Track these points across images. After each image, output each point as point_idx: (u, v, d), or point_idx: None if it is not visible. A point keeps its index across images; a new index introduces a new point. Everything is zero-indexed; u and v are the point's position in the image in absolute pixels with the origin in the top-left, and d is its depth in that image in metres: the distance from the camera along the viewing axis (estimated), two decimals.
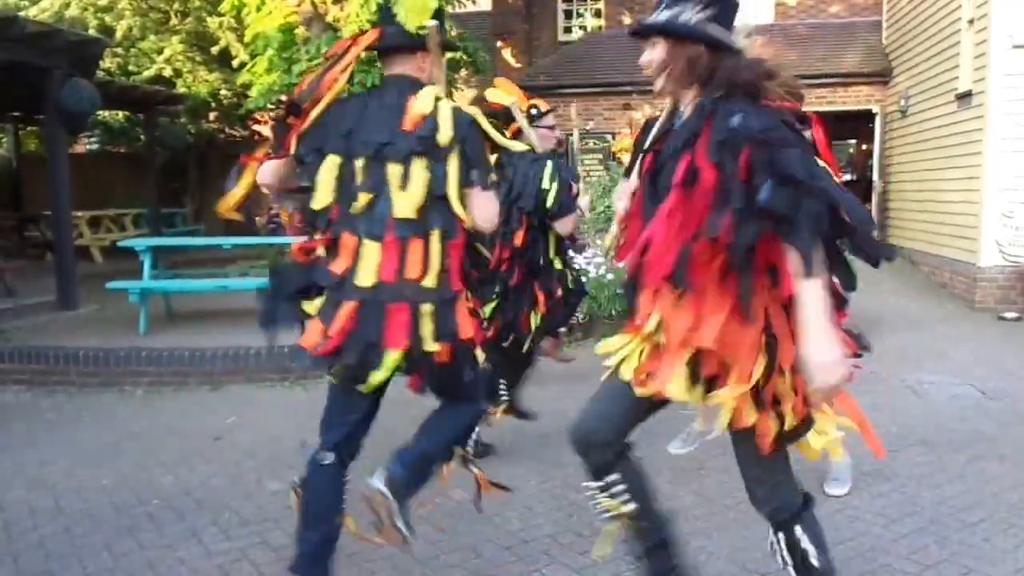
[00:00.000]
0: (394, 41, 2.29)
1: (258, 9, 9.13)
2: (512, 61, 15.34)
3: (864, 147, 13.12)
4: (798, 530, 2.05)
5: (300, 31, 9.20)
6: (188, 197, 15.41)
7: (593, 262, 6.89)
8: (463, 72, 10.77)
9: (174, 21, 14.36)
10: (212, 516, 3.43)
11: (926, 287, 9.10)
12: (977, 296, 8.01)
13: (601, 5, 14.97)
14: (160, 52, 13.72)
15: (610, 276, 6.66)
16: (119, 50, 13.83)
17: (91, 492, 3.73)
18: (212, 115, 15.34)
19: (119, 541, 3.19)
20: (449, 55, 8.93)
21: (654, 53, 1.94)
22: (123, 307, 6.93)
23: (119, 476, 3.92)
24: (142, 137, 13.75)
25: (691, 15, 1.84)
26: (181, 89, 13.57)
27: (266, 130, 17.46)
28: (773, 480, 2.06)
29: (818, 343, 1.72)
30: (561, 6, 15.37)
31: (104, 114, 14.23)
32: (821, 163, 2.60)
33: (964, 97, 8.52)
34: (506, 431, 4.50)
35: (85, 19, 13.27)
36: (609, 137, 13.17)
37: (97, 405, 5.25)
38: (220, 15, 12.12)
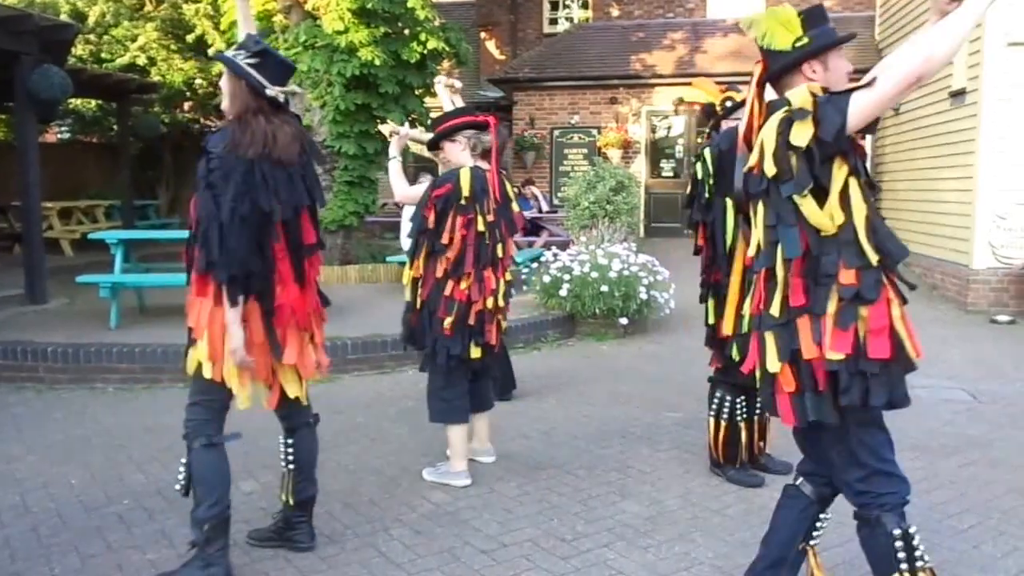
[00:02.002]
0: (778, 65, 2.22)
1: None
2: (496, 53, 15.23)
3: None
4: None
5: (279, 19, 9.04)
6: (162, 188, 15.16)
7: (577, 259, 6.82)
8: (445, 64, 10.64)
9: (149, 8, 14.09)
10: (184, 516, 3.27)
11: (918, 288, 9.02)
12: (969, 298, 7.90)
13: None
14: (134, 39, 13.45)
15: (594, 274, 6.60)
16: (91, 36, 13.55)
17: (59, 490, 3.63)
18: (187, 104, 15.09)
19: (87, 541, 3.11)
20: (431, 45, 8.81)
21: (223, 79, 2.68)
22: (94, 301, 6.79)
23: (88, 474, 3.83)
24: (115, 126, 13.48)
25: (242, 58, 2.60)
26: (155, 77, 13.32)
27: None
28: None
29: (228, 336, 2.62)
30: None
31: (76, 102, 13.94)
32: (488, 164, 3.61)
33: (958, 95, 8.44)
34: None
35: (57, 4, 12.97)
36: (595, 131, 13.11)
37: (66, 402, 5.13)
38: (196, 2, 11.92)
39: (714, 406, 3.65)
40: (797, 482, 2.40)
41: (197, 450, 2.72)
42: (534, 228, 11.37)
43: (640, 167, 13.09)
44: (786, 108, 2.11)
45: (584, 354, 6.39)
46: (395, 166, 3.87)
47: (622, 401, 5.01)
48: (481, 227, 3.51)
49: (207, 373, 2.68)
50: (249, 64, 2.61)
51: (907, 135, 10.41)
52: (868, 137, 9.63)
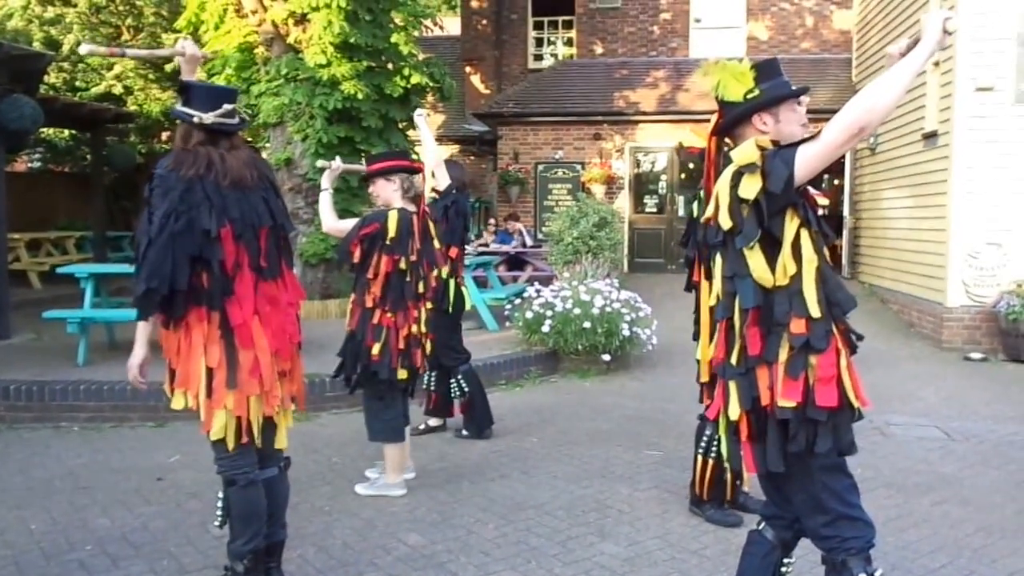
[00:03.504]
0: (730, 116, 2.25)
1: (216, 27, 8.95)
2: (481, 87, 15.36)
3: (836, 182, 13.33)
4: None
5: (260, 51, 9.03)
6: (137, 220, 14.97)
7: (560, 295, 6.78)
8: (429, 98, 10.69)
9: (126, 36, 14.08)
10: (150, 563, 3.22)
11: (894, 326, 9.13)
12: (944, 336, 7.94)
13: (573, 33, 15.09)
14: (110, 68, 13.38)
15: (576, 311, 6.56)
16: (66, 65, 13.46)
17: (17, 537, 3.49)
18: (165, 135, 15.00)
19: None
20: (415, 80, 8.84)
21: None
22: (61, 336, 6.59)
23: (50, 519, 3.69)
24: (88, 156, 13.34)
25: (178, 104, 2.73)
26: (132, 107, 13.24)
27: None
28: None
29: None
30: (532, 33, 15.46)
31: (48, 131, 13.79)
32: (414, 207, 3.91)
33: (930, 137, 8.67)
34: (464, 470, 4.36)
35: (30, 31, 12.91)
36: (579, 167, 13.19)
37: (28, 442, 4.95)
38: (176, 32, 11.89)
39: (703, 443, 3.61)
40: (760, 527, 2.38)
41: (237, 489, 2.74)
42: (518, 263, 11.36)
43: (624, 203, 13.17)
44: (737, 163, 2.14)
45: (566, 391, 6.33)
46: (326, 198, 4.15)
47: (603, 439, 4.95)
48: (403, 266, 3.80)
49: (178, 403, 2.70)
50: (181, 104, 2.70)
51: (883, 175, 10.63)
52: (847, 176, 9.77)
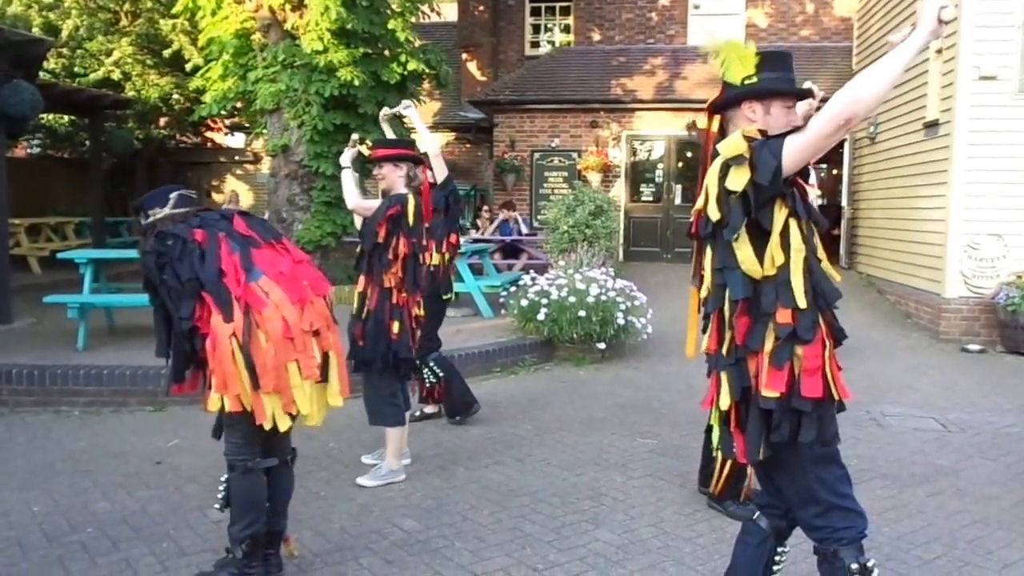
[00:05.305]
0: (726, 96, 2.26)
1: (213, 13, 8.91)
2: (477, 74, 15.30)
3: (835, 172, 13.22)
4: None
5: (257, 37, 9.00)
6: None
7: (556, 283, 6.81)
8: (426, 85, 10.67)
9: (124, 22, 13.97)
10: (149, 545, 3.27)
11: (892, 316, 9.13)
12: (942, 327, 7.95)
13: (570, 20, 15.02)
14: (108, 54, 13.31)
15: (572, 299, 6.60)
16: (64, 50, 13.39)
17: (20, 518, 3.54)
18: (163, 120, 14.95)
19: (48, 571, 3.02)
20: (411, 67, 8.82)
21: None
22: (61, 321, 6.62)
23: (51, 501, 3.74)
24: (87, 142, 13.32)
25: (148, 245, 2.83)
26: (130, 93, 13.19)
27: (219, 137, 17.12)
28: None
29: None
30: (529, 20, 15.39)
31: (47, 117, 13.75)
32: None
33: (931, 126, 8.62)
34: (459, 457, 4.42)
35: (29, 17, 12.83)
36: (575, 155, 13.18)
37: (30, 426, 5.00)
38: (173, 17, 11.85)
39: None
40: (754, 516, 2.40)
41: (236, 475, 2.83)
42: (513, 251, 11.37)
43: (620, 191, 13.17)
44: (724, 156, 2.13)
45: (561, 379, 6.37)
46: (349, 175, 4.28)
47: (597, 427, 4.99)
48: (417, 250, 3.99)
49: (218, 406, 2.76)
50: (144, 221, 2.92)
51: (883, 164, 10.58)
52: (845, 166, 9.65)
